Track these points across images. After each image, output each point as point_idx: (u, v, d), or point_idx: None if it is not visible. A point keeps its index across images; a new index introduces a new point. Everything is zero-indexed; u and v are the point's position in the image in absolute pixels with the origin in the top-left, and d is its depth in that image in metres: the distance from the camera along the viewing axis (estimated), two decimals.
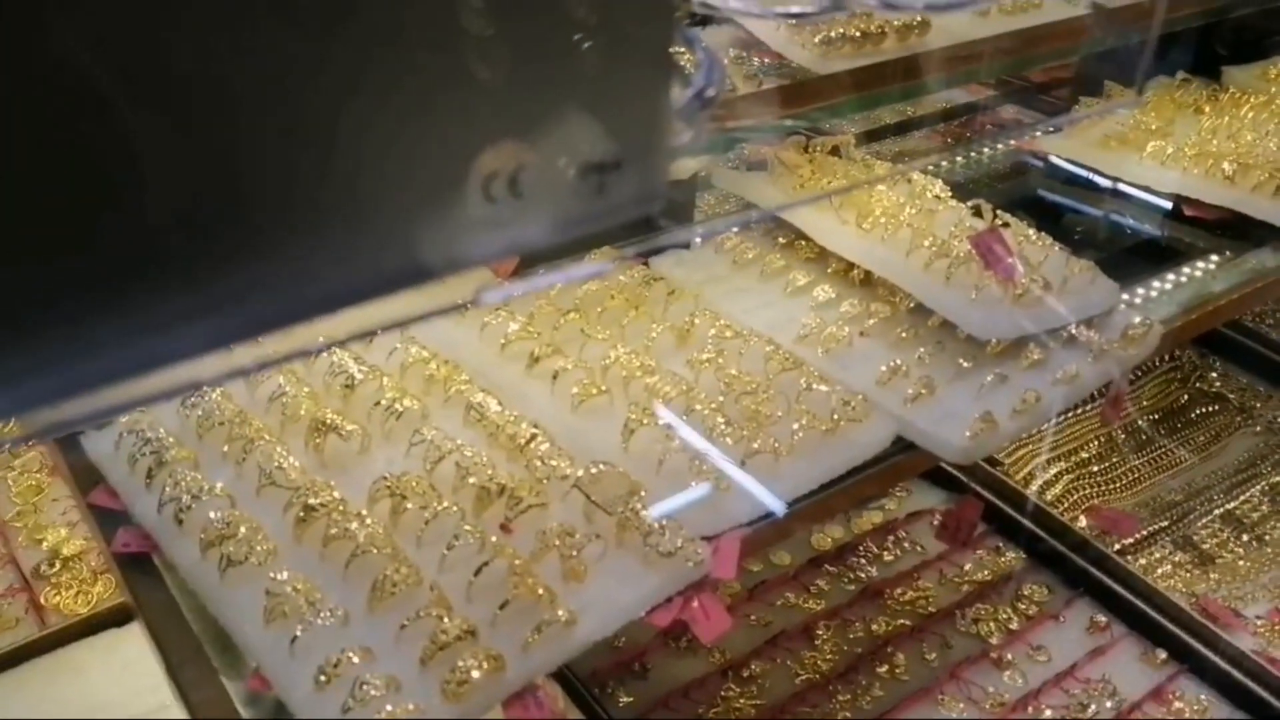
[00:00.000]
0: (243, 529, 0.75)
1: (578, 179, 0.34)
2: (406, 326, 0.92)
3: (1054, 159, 1.41)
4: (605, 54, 0.33)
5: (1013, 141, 1.57)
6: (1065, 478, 1.52)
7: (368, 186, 0.31)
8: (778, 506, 0.83)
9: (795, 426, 0.87)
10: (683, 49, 0.39)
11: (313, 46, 0.28)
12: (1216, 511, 1.51)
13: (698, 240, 1.19)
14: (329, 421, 0.84)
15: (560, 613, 0.71)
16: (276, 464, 0.80)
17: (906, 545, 1.41)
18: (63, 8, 0.24)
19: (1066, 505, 1.47)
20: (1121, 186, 1.38)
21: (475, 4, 0.30)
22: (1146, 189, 1.36)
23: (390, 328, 0.88)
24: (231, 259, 0.29)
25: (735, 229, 1.18)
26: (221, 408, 0.86)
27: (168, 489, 0.79)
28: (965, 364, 0.96)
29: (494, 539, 0.76)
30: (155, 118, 0.27)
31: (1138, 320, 1.03)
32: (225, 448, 0.83)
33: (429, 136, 0.31)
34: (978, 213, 1.11)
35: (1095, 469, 1.54)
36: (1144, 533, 1.46)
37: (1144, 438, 1.61)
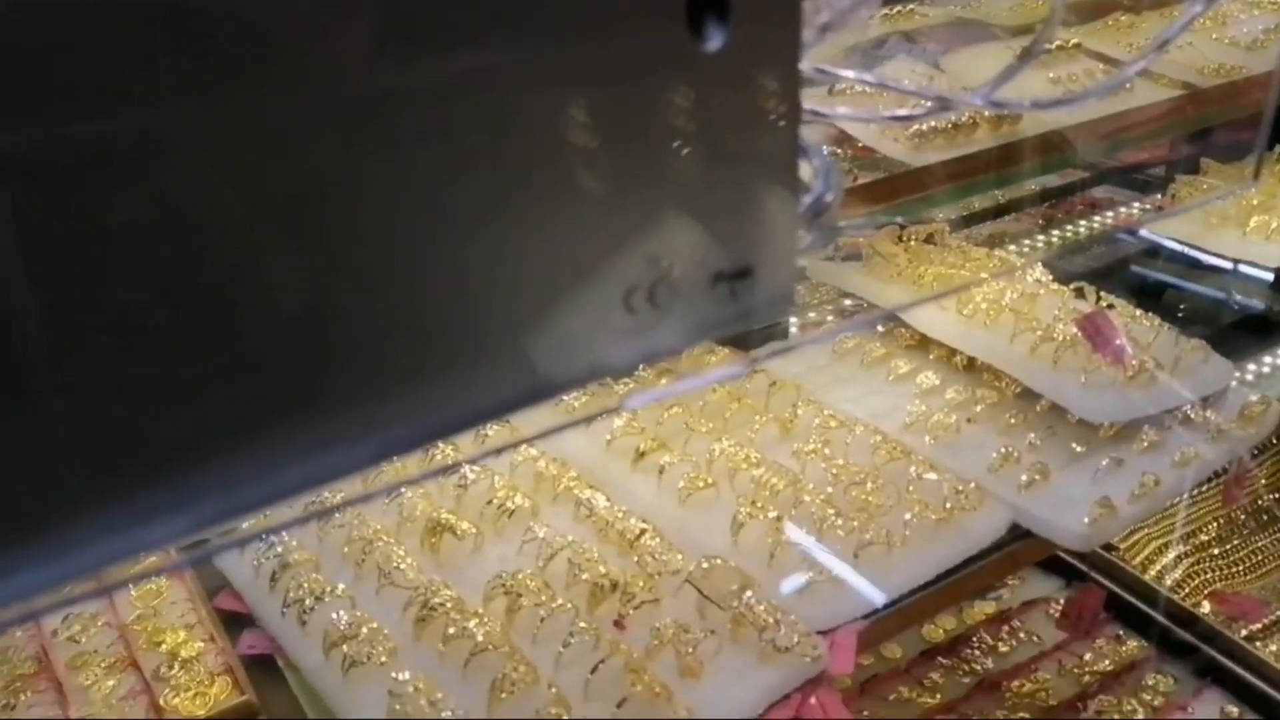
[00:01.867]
0: (364, 629, 0.77)
1: (709, 287, 0.35)
2: (535, 441, 0.94)
3: (1154, 237, 1.40)
4: (733, 165, 0.34)
5: (1110, 221, 1.55)
6: (1185, 561, 1.46)
7: (512, 306, 0.32)
8: (893, 598, 0.82)
9: (907, 516, 0.86)
10: (801, 158, 0.41)
11: (451, 179, 0.30)
12: None
13: (794, 330, 1.20)
14: (444, 521, 0.86)
15: (679, 710, 0.70)
16: (395, 564, 0.82)
17: (1022, 635, 1.37)
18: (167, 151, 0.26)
19: (1188, 590, 1.42)
20: (1225, 263, 1.36)
21: (608, 130, 0.32)
22: (1252, 264, 1.33)
23: (519, 442, 0.91)
24: (386, 383, 0.31)
25: (830, 316, 1.19)
26: (341, 511, 0.89)
27: (291, 591, 0.81)
28: (1078, 448, 0.94)
29: (608, 636, 0.77)
30: (288, 252, 0.28)
31: (1255, 399, 1.01)
32: (345, 549, 0.86)
33: (570, 254, 0.33)
34: (1080, 295, 1.10)
35: (1216, 551, 1.48)
36: (1272, 618, 1.40)
37: (1266, 518, 1.54)
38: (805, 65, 0.39)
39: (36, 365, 0.25)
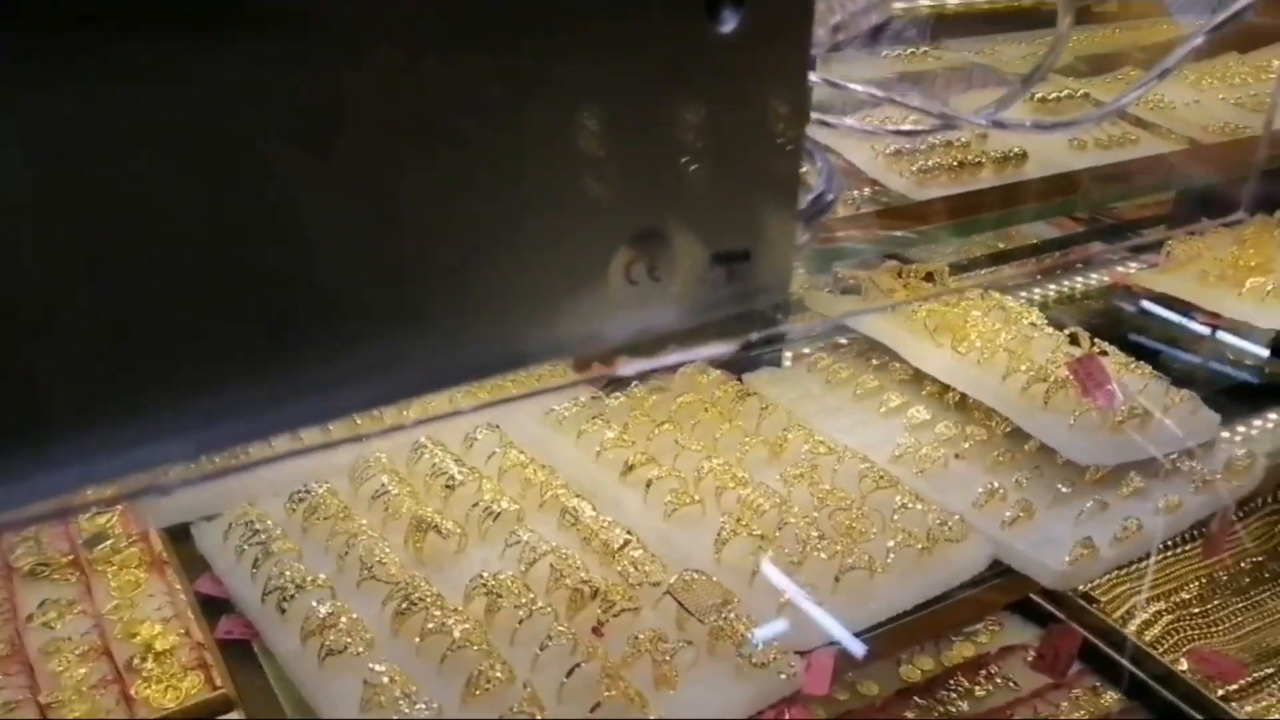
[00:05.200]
0: (343, 619, 0.77)
1: (709, 266, 0.36)
2: (501, 421, 0.95)
3: (1149, 294, 1.41)
4: (739, 151, 0.35)
5: (1106, 276, 1.57)
6: (1165, 618, 1.46)
7: (519, 268, 0.33)
8: (873, 623, 0.83)
9: (890, 544, 0.86)
10: (805, 160, 0.42)
11: (476, 153, 0.31)
12: None
13: (788, 360, 1.21)
14: (429, 520, 0.86)
15: (651, 718, 0.70)
16: (378, 559, 0.82)
17: (999, 680, 1.37)
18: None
19: (1166, 646, 1.42)
20: (1220, 323, 1.37)
21: (621, 109, 0.33)
22: (1246, 325, 1.34)
23: (481, 408, 0.91)
24: (394, 331, 0.31)
25: (821, 346, 1.20)
26: (327, 503, 0.89)
27: (272, 579, 0.81)
28: (1064, 489, 0.95)
29: (586, 641, 0.77)
30: (311, 208, 0.29)
31: (1241, 452, 1.02)
32: (329, 541, 0.86)
33: (577, 226, 0.33)
34: (1074, 340, 1.11)
35: (1196, 610, 1.49)
36: (1249, 679, 1.39)
37: (1247, 580, 1.55)
38: (816, 78, 0.41)
39: (46, 270, 0.26)
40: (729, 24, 0.31)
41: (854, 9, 0.36)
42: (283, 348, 0.30)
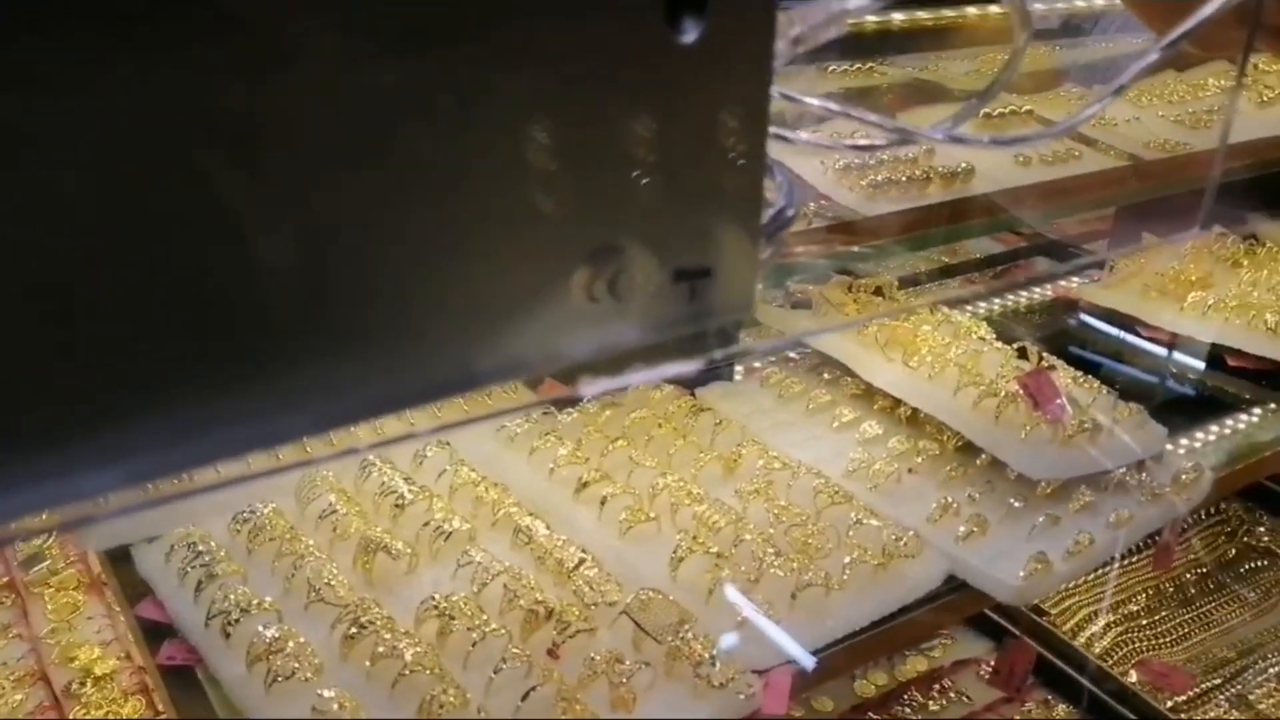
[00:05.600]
0: (290, 644, 0.75)
1: (670, 284, 0.35)
2: (453, 439, 0.94)
3: (1093, 309, 1.43)
4: (700, 166, 0.34)
5: (1050, 291, 1.59)
6: (1114, 630, 1.48)
7: (476, 285, 0.32)
8: (830, 640, 0.82)
9: (846, 560, 0.86)
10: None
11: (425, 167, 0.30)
12: (1272, 670, 1.46)
13: (739, 375, 1.20)
14: (379, 540, 0.84)
15: None
16: (326, 580, 0.80)
17: (953, 695, 1.37)
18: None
19: (1116, 659, 1.43)
20: (1162, 337, 1.39)
21: (579, 122, 0.32)
22: (1188, 340, 1.36)
23: (438, 430, 0.90)
24: (341, 351, 0.30)
25: (772, 360, 1.20)
26: (272, 523, 0.87)
27: (216, 602, 0.79)
28: (1016, 504, 0.95)
29: (541, 663, 0.76)
30: (246, 225, 0.28)
31: (1189, 465, 1.03)
32: (275, 563, 0.84)
33: (535, 242, 0.33)
34: (1023, 354, 1.12)
35: (1144, 622, 1.50)
36: (1198, 689, 1.41)
37: (1194, 591, 1.57)
38: (773, 90, 0.40)
39: None
40: (690, 34, 0.31)
41: (814, 22, 0.36)
42: (224, 370, 0.28)
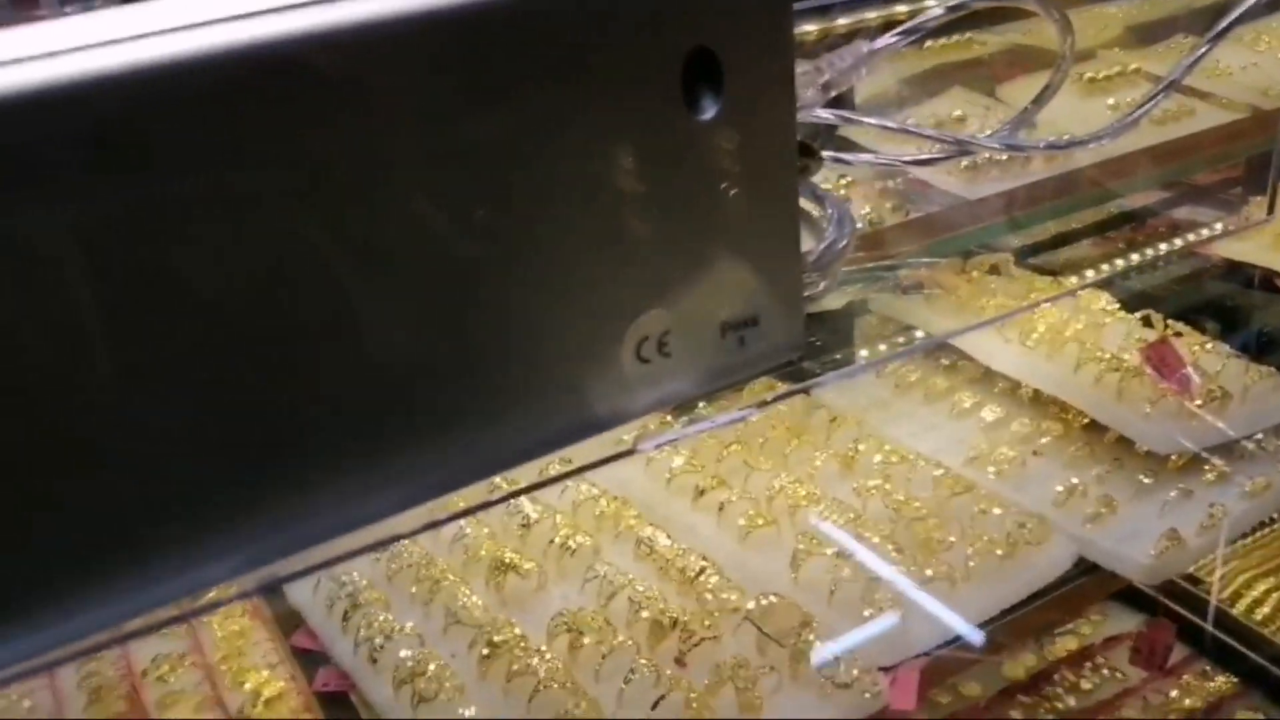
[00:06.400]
0: (432, 666, 0.79)
1: (718, 336, 0.36)
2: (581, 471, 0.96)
3: (1226, 263, 1.37)
4: (734, 222, 0.36)
5: (1182, 243, 1.52)
6: (1275, 595, 1.41)
7: (530, 357, 0.34)
8: (957, 635, 0.82)
9: (970, 551, 0.86)
10: (813, 204, 0.42)
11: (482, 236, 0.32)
12: None
13: (862, 359, 1.20)
14: (508, 560, 0.88)
15: None
16: (461, 603, 0.85)
17: (1105, 672, 1.33)
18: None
19: (1278, 625, 1.37)
20: None
21: (614, 190, 0.34)
22: None
23: (567, 475, 0.93)
24: (411, 433, 0.33)
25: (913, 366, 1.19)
26: (409, 551, 0.91)
27: (362, 630, 0.84)
28: (1146, 480, 0.93)
29: (669, 672, 0.78)
30: (347, 298, 0.31)
31: None
32: (413, 589, 0.88)
33: (581, 307, 0.35)
34: (1147, 323, 1.08)
35: None
36: None
37: None
38: (826, 112, 0.41)
39: (93, 409, 0.28)
40: (708, 113, 0.32)
41: (841, 66, 0.37)
42: (307, 459, 0.31)
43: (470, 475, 0.33)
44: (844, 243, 0.41)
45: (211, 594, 0.37)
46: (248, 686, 1.35)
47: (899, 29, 0.39)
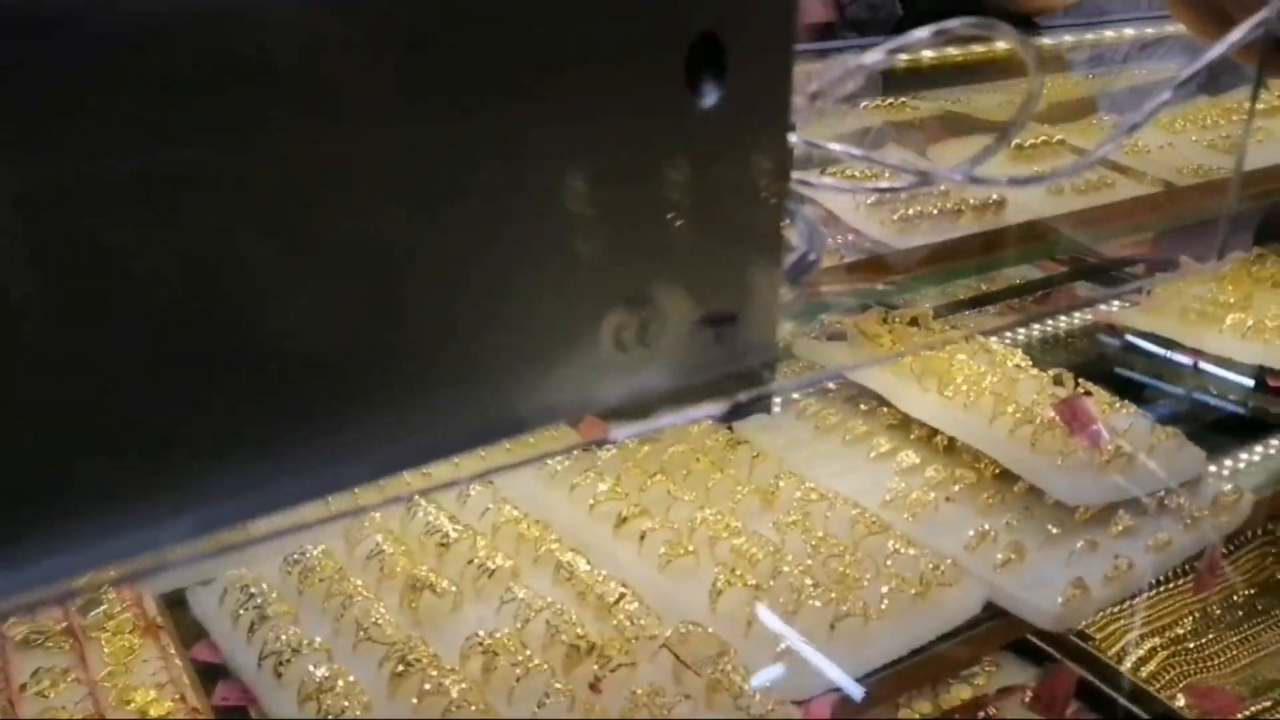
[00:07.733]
0: (340, 682, 0.77)
1: (696, 330, 0.37)
2: (495, 477, 0.96)
3: (1131, 333, 1.43)
4: (722, 217, 0.36)
5: (1089, 316, 1.58)
6: (1160, 654, 1.46)
7: (509, 337, 0.34)
8: (869, 670, 0.83)
9: (884, 590, 0.87)
10: (787, 219, 0.43)
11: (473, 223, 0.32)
12: None
13: (777, 406, 1.21)
14: (424, 579, 0.86)
15: None
16: (374, 620, 0.82)
17: None
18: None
19: (1163, 683, 1.42)
20: (1202, 361, 1.39)
21: (606, 179, 0.34)
22: (1228, 362, 1.36)
23: (483, 475, 0.92)
24: (386, 404, 0.32)
25: (811, 391, 1.21)
26: (322, 565, 0.89)
27: (268, 643, 0.81)
28: (1054, 530, 0.96)
29: (584, 698, 0.77)
30: (301, 273, 0.30)
31: (1229, 488, 1.03)
32: (324, 603, 0.86)
33: (566, 294, 0.34)
34: (1059, 381, 1.12)
35: (1191, 645, 1.49)
36: (1247, 713, 1.39)
37: (1241, 613, 1.55)
38: (795, 138, 0.42)
39: (48, 360, 0.26)
40: (710, 98, 0.33)
41: (830, 78, 0.38)
42: (283, 424, 0.30)
43: (446, 448, 0.33)
44: (814, 256, 0.42)
45: (84, 580, 0.35)
46: (133, 705, 1.29)
47: (885, 45, 0.40)
